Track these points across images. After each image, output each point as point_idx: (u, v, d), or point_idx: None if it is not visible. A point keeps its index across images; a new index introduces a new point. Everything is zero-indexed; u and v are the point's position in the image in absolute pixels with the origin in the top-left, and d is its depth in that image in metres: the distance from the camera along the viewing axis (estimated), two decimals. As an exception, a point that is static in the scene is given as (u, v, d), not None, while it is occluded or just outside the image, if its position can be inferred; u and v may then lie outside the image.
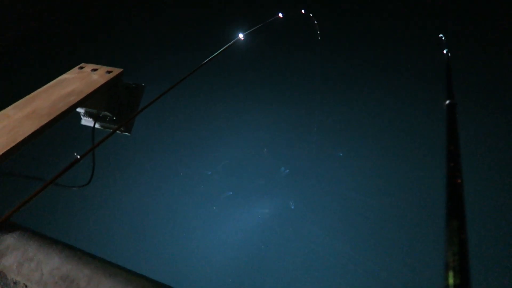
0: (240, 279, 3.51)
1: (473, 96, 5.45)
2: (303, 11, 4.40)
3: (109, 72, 2.16)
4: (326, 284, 3.42)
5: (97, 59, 2.35)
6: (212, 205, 4.19)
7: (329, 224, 3.90)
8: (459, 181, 0.69)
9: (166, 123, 5.40)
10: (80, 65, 2.27)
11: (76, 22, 8.67)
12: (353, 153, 4.77)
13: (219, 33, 6.82)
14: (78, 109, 2.20)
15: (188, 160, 4.80)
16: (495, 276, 3.31)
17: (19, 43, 7.58)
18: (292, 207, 4.15)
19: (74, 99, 1.91)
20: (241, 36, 2.62)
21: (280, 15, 3.36)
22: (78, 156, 1.46)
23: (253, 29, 2.75)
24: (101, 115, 2.25)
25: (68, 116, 1.89)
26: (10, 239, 1.18)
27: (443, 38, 2.35)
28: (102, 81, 2.08)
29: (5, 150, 1.53)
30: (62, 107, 1.84)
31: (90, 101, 2.04)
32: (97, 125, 2.26)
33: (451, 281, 0.43)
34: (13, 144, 1.57)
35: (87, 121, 2.29)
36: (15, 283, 1.06)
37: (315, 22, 4.89)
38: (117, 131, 2.26)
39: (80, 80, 2.09)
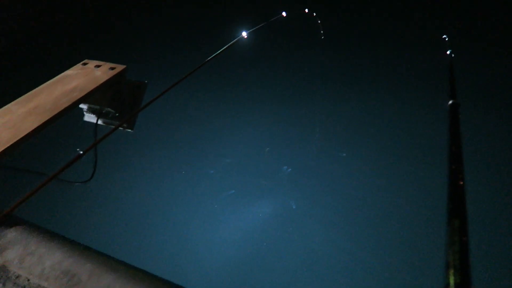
0: (240, 277, 3.52)
1: (476, 96, 5.44)
2: (306, 10, 4.40)
3: (112, 68, 2.17)
4: (328, 283, 3.42)
5: (101, 56, 2.36)
6: (213, 203, 4.19)
7: (331, 224, 3.90)
8: (461, 183, 0.69)
9: (168, 120, 5.40)
10: (84, 61, 2.27)
11: (79, 18, 8.69)
12: (356, 153, 4.77)
13: (223, 31, 6.82)
14: (81, 105, 2.21)
15: (190, 158, 4.81)
16: (496, 275, 3.31)
17: (23, 39, 7.60)
18: (294, 207, 4.15)
19: (77, 95, 1.91)
20: (244, 34, 2.62)
21: (284, 14, 3.36)
22: (81, 152, 1.46)
23: (256, 27, 2.75)
24: (104, 112, 2.26)
25: (71, 112, 1.89)
26: (12, 233, 1.19)
27: (446, 39, 2.35)
28: (105, 77, 2.09)
29: (7, 145, 1.54)
30: (65, 103, 1.85)
31: (93, 97, 2.05)
32: (99, 122, 2.27)
33: (451, 279, 0.44)
34: (15, 139, 1.57)
35: (89, 117, 2.30)
36: (17, 277, 1.07)
37: (319, 21, 4.88)
38: (120, 128, 2.27)
39: (83, 76, 2.10)
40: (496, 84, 5.87)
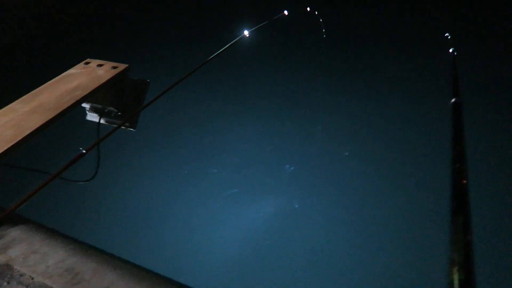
0: (242, 276, 3.52)
1: (479, 94, 5.42)
2: (308, 9, 4.39)
3: (114, 67, 2.18)
4: (330, 283, 3.42)
5: (103, 55, 2.36)
6: (216, 202, 4.19)
7: (333, 223, 3.90)
8: (464, 181, 0.69)
9: (171, 119, 5.40)
10: (86, 60, 2.28)
11: (81, 17, 8.70)
12: (359, 152, 4.76)
13: (225, 29, 6.81)
14: (84, 104, 2.22)
15: (193, 157, 4.81)
16: (500, 272, 3.30)
17: (25, 38, 7.62)
18: (296, 206, 4.15)
19: (79, 94, 1.92)
20: (246, 33, 2.62)
21: (286, 12, 3.36)
22: (84, 151, 1.47)
23: (258, 26, 2.75)
24: (106, 111, 2.26)
25: (74, 111, 1.90)
26: (15, 232, 1.20)
27: (449, 37, 2.34)
28: (107, 76, 2.09)
29: (11, 143, 1.55)
30: (68, 101, 1.86)
31: (95, 96, 2.05)
32: (102, 120, 2.27)
33: (455, 276, 0.43)
34: (19, 138, 1.58)
35: (92, 117, 2.31)
36: (21, 275, 1.07)
37: (320, 20, 4.87)
38: (122, 127, 2.27)
39: (86, 75, 2.10)
40: (499, 82, 5.84)
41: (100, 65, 2.20)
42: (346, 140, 4.96)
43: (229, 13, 8.47)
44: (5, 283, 1.07)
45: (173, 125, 5.32)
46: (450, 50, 1.91)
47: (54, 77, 2.08)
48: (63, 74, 2.12)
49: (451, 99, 1.05)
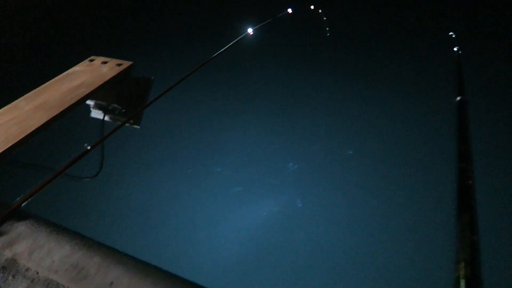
0: (245, 274, 3.53)
1: (484, 93, 5.39)
2: (312, 7, 4.38)
3: (119, 65, 2.18)
4: (333, 281, 3.42)
5: (107, 52, 2.37)
6: (221, 200, 4.20)
7: (337, 222, 3.90)
8: (470, 182, 0.68)
9: (175, 117, 5.41)
10: (90, 57, 2.29)
11: (86, 14, 8.72)
12: (363, 151, 4.75)
13: (229, 27, 6.81)
14: (88, 102, 2.22)
15: (197, 156, 4.82)
16: (506, 268, 3.29)
17: (30, 35, 7.65)
18: (300, 205, 4.14)
19: (84, 91, 1.93)
20: (250, 31, 2.62)
21: (290, 10, 3.35)
22: (88, 147, 1.48)
23: (262, 24, 2.75)
24: (110, 108, 2.27)
25: (78, 108, 1.91)
26: (21, 227, 1.21)
27: (453, 36, 2.34)
28: (112, 73, 2.10)
29: (16, 140, 1.56)
30: (72, 99, 1.87)
31: (99, 93, 2.06)
32: (106, 118, 2.28)
33: (462, 272, 0.43)
34: (24, 135, 1.59)
35: (96, 114, 2.31)
36: (26, 269, 1.08)
37: (324, 18, 4.86)
38: (126, 124, 2.27)
39: (90, 72, 2.11)
40: (504, 81, 5.80)
41: (105, 62, 2.21)
42: (350, 138, 4.95)
43: (233, 11, 8.46)
44: (10, 278, 1.08)
45: (177, 123, 5.33)
46: (455, 49, 1.90)
47: (58, 74, 2.09)
48: (67, 72, 2.13)
49: (456, 97, 1.05)
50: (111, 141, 1.75)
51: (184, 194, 4.29)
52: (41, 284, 1.05)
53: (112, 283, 1.01)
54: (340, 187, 4.28)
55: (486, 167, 4.23)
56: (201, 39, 7.30)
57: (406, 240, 3.68)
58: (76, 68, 2.17)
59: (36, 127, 1.65)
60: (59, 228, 1.21)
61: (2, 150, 1.49)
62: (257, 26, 2.69)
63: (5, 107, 1.79)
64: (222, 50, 2.15)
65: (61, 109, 1.79)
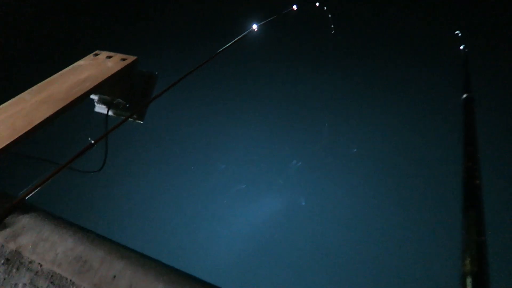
0: (248, 270, 3.54)
1: (491, 91, 5.34)
2: (317, 4, 4.36)
3: (123, 59, 2.18)
4: (336, 279, 3.42)
5: (112, 47, 2.37)
6: (224, 197, 4.21)
7: (340, 220, 3.89)
8: (477, 181, 0.67)
9: (179, 113, 5.41)
10: (95, 52, 2.29)
11: (91, 8, 8.72)
12: (367, 149, 4.73)
13: (234, 23, 6.79)
14: (92, 96, 2.23)
15: (201, 153, 4.82)
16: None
17: (35, 29, 7.67)
18: (303, 203, 4.14)
19: (88, 85, 1.93)
20: (255, 27, 2.62)
21: (295, 7, 3.34)
22: (92, 141, 1.48)
23: (267, 20, 2.74)
24: (114, 102, 2.27)
25: (83, 102, 1.91)
26: (25, 220, 1.21)
27: (459, 34, 2.33)
28: (116, 68, 2.10)
29: (21, 133, 1.56)
30: (77, 92, 1.87)
31: (104, 88, 2.06)
32: (110, 112, 2.28)
33: (468, 267, 0.43)
34: (29, 128, 1.60)
35: (100, 108, 2.32)
36: (30, 262, 1.09)
37: (329, 15, 4.84)
38: (130, 119, 2.28)
39: (95, 66, 2.11)
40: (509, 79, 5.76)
41: (109, 57, 2.21)
42: (355, 136, 4.93)
43: (238, 7, 8.43)
44: (14, 270, 1.08)
45: (181, 119, 5.33)
46: (461, 47, 1.90)
47: (63, 68, 2.10)
48: (72, 66, 2.13)
49: (463, 95, 1.04)
50: (114, 136, 1.75)
51: (188, 190, 4.30)
52: (45, 277, 1.05)
53: (115, 276, 1.02)
54: (344, 185, 4.27)
55: (492, 164, 4.19)
56: (206, 35, 7.29)
57: (411, 239, 3.67)
58: (80, 62, 2.18)
59: (41, 120, 1.66)
60: (63, 221, 1.22)
61: (8, 142, 1.49)
62: (262, 23, 2.68)
63: (11, 100, 1.79)
64: (226, 46, 2.14)
65: (66, 102, 1.79)
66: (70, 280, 1.03)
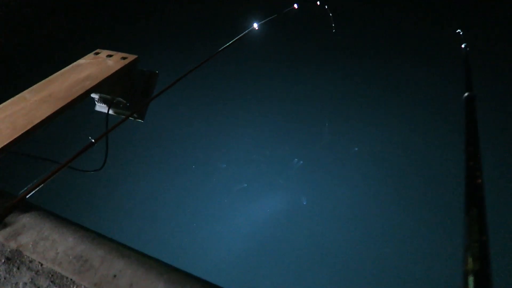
0: (248, 269, 3.54)
1: (491, 90, 5.34)
2: (318, 2, 4.35)
3: (124, 58, 2.18)
4: (337, 278, 3.42)
5: (113, 45, 2.37)
6: (224, 196, 4.21)
7: (341, 219, 3.89)
8: (479, 181, 0.66)
9: (180, 112, 5.40)
10: (96, 50, 2.28)
11: (91, 7, 8.72)
12: (368, 148, 4.72)
13: (234, 22, 6.78)
14: (93, 95, 2.22)
15: (202, 152, 4.82)
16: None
17: (36, 28, 7.67)
18: (304, 202, 4.14)
19: (89, 84, 1.93)
20: (255, 25, 2.61)
21: (295, 6, 3.34)
22: (93, 140, 1.48)
23: (268, 19, 2.74)
24: (115, 101, 2.27)
25: (83, 101, 1.91)
26: (26, 218, 1.21)
27: (460, 33, 2.33)
28: (117, 67, 2.09)
29: (21, 132, 1.56)
30: (78, 91, 1.87)
31: (104, 87, 2.06)
32: (111, 111, 2.28)
33: (470, 266, 0.43)
34: (29, 127, 1.59)
35: (101, 107, 2.31)
36: (30, 261, 1.09)
37: (330, 14, 4.83)
38: (130, 118, 2.28)
39: (96, 65, 2.11)
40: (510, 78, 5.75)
41: (110, 56, 2.21)
42: (356, 136, 4.93)
43: (238, 6, 8.43)
44: (15, 269, 1.08)
45: (182, 118, 5.33)
46: (462, 46, 1.89)
47: (64, 67, 2.09)
48: (73, 64, 2.13)
49: (464, 93, 1.03)
50: (115, 135, 1.75)
51: (188, 189, 4.30)
52: (45, 276, 1.05)
53: (115, 275, 1.02)
54: (344, 185, 4.27)
55: (494, 162, 4.18)
56: (206, 35, 7.29)
57: (412, 239, 3.67)
58: (81, 61, 2.17)
59: (42, 119, 1.66)
60: (63, 220, 1.22)
61: (8, 141, 1.49)
62: (263, 21, 2.68)
63: (11, 99, 1.79)
64: (227, 44, 2.14)
65: (67, 101, 1.79)
66: (71, 279, 1.03)
